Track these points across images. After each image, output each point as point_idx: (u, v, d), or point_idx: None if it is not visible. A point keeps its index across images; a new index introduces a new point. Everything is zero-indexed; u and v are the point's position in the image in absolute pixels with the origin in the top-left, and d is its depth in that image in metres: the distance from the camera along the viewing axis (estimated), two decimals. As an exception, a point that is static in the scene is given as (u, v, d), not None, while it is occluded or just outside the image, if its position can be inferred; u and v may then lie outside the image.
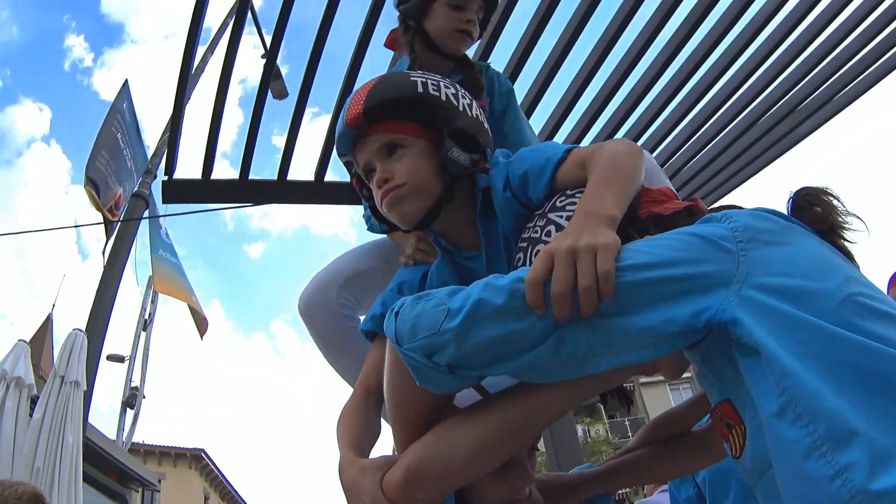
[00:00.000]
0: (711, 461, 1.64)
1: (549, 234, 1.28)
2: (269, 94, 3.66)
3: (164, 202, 3.73)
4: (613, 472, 1.62)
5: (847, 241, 1.15)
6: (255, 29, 7.71)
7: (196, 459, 29.45)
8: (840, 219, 1.17)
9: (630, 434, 30.68)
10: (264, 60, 3.62)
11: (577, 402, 1.13)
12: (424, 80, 1.49)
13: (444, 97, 1.49)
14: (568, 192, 1.35)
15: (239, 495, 36.75)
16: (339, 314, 1.98)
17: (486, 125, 1.58)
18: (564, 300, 0.97)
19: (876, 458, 0.83)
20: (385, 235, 2.01)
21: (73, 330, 5.31)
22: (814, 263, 1.01)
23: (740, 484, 1.94)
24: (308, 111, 3.58)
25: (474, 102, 1.58)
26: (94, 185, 6.33)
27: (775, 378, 0.91)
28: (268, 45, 3.70)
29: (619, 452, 1.70)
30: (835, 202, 1.20)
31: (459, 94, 1.54)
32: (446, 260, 1.57)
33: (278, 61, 3.71)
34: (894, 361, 0.88)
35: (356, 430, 1.44)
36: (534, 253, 1.30)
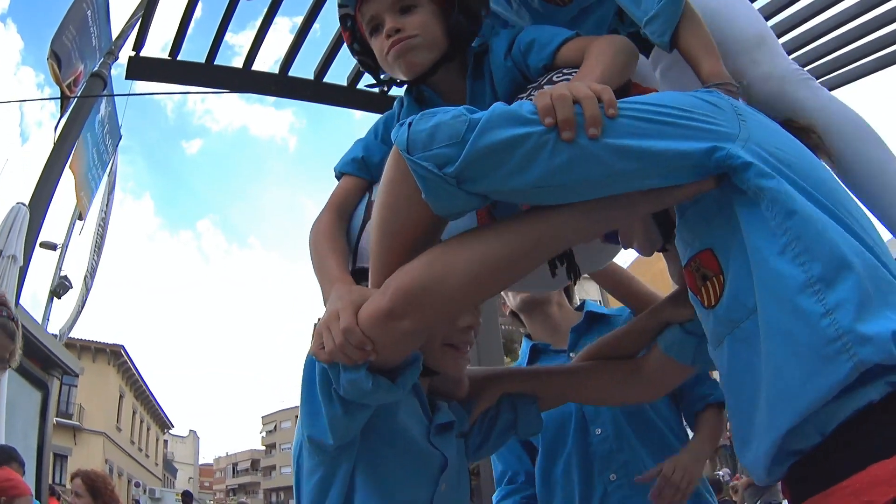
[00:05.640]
0: (642, 392, 1.63)
1: None
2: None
3: (127, 78, 3.68)
4: (543, 375, 1.66)
5: None
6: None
7: (115, 356, 29.16)
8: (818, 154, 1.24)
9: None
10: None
11: (589, 230, 1.15)
12: None
13: None
14: (564, 71, 1.45)
15: (153, 396, 36.67)
16: None
17: None
18: (566, 101, 1.01)
19: (864, 301, 0.92)
20: None
21: (17, 203, 5.14)
22: (802, 153, 1.13)
23: (578, 432, 1.94)
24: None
25: None
26: (58, 58, 6.08)
27: (778, 220, 0.99)
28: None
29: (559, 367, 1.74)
30: (818, 141, 1.28)
31: None
32: (417, 109, 1.61)
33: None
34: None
35: (342, 248, 1.45)
36: None
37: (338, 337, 1.11)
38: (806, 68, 4.02)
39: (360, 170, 1.59)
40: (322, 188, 1.63)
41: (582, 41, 1.49)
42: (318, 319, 1.20)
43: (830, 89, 4.12)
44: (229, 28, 3.50)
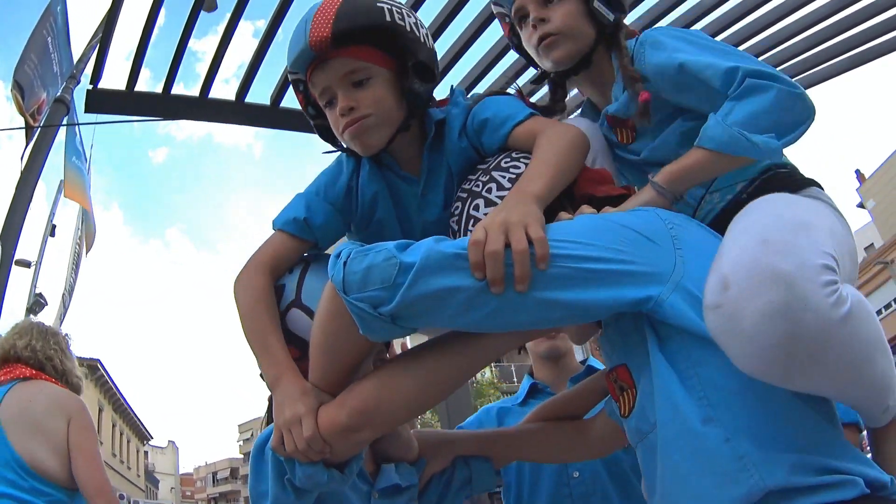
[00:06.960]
0: (588, 453, 1.69)
1: (489, 190, 1.38)
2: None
3: (86, 111, 3.71)
4: (493, 437, 1.72)
5: None
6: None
7: (91, 370, 28.74)
8: None
9: (516, 379, 31.24)
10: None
11: (510, 349, 1.29)
12: (391, 6, 1.45)
13: (408, 27, 1.46)
14: (514, 155, 1.43)
15: (131, 408, 36.28)
16: None
17: (436, 55, 1.57)
18: (497, 259, 1.04)
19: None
20: None
21: (-10, 238, 5.06)
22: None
23: (557, 473, 2.01)
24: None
25: (427, 32, 1.55)
26: (21, 89, 5.97)
27: (686, 365, 1.06)
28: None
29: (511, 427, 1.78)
30: None
31: (418, 22, 1.51)
32: (378, 173, 1.58)
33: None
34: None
35: (279, 321, 1.43)
36: (472, 206, 1.39)
37: (300, 443, 1.22)
38: (778, 68, 4.05)
39: (300, 230, 1.54)
40: (288, 194, 1.61)
41: (533, 125, 1.45)
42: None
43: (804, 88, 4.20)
44: (192, 35, 3.41)
